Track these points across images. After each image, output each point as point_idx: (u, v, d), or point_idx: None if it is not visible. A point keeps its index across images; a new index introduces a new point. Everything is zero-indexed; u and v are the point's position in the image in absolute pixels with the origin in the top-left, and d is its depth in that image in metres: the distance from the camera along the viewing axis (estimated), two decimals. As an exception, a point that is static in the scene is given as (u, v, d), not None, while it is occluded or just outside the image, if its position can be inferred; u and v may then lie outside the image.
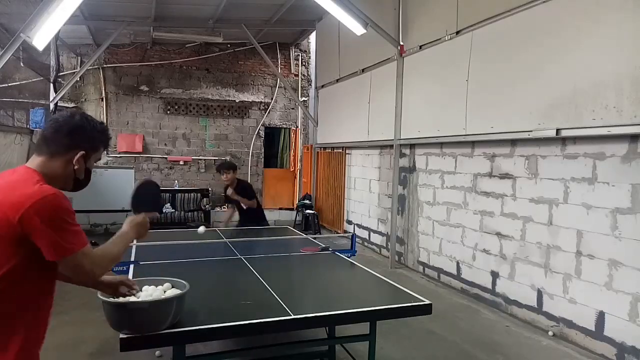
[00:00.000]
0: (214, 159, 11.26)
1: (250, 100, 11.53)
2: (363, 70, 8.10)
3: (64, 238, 1.44)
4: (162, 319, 1.96)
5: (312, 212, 9.89)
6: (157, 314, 1.95)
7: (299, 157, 12.01)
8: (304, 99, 11.80)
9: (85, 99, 10.55)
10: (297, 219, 10.27)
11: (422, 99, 6.32)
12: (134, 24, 9.16)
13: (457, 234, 5.75)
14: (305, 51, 12.07)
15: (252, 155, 11.64)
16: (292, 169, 12.21)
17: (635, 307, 3.62)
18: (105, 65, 10.57)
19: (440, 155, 6.10)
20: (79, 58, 10.48)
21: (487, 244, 5.22)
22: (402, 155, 6.94)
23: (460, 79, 5.43)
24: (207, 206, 10.13)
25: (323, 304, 2.63)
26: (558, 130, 4.15)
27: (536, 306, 4.56)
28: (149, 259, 3.40)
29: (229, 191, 5.45)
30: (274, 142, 12.33)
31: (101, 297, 1.89)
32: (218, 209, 10.29)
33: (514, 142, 4.83)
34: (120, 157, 10.72)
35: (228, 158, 11.32)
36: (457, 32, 5.58)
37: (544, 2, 4.32)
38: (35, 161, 1.57)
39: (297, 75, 11.96)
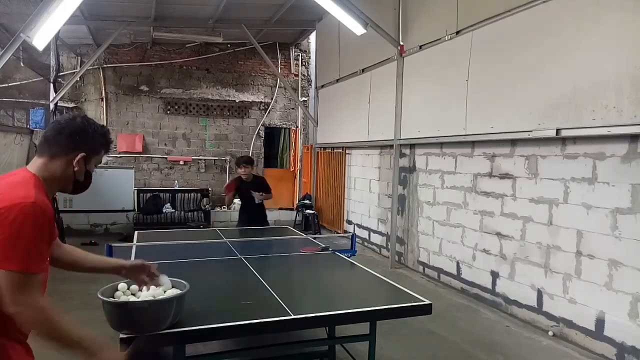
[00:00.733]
0: (214, 159, 11.27)
1: (250, 100, 11.53)
2: (363, 70, 8.10)
3: (8, 246, 1.33)
4: (162, 319, 1.96)
5: (312, 212, 9.89)
6: (157, 314, 1.94)
7: (299, 157, 12.01)
8: (304, 99, 11.80)
9: (85, 99, 10.55)
10: (297, 219, 10.26)
11: (422, 99, 6.32)
12: (134, 24, 9.16)
13: (457, 234, 5.75)
14: (305, 51, 12.07)
15: (252, 155, 11.63)
16: (292, 169, 12.21)
17: (635, 307, 3.62)
18: (105, 65, 10.57)
19: (440, 155, 6.10)
20: (79, 58, 10.49)
21: (487, 244, 5.22)
22: (402, 155, 6.94)
23: (460, 79, 5.43)
24: (207, 206, 10.13)
25: (323, 304, 2.63)
26: (558, 130, 4.15)
27: (536, 306, 4.56)
28: (149, 259, 3.38)
29: (254, 193, 5.32)
30: (274, 142, 12.33)
31: (101, 297, 1.89)
32: (218, 208, 10.30)
33: (514, 142, 4.83)
34: (120, 157, 10.72)
35: (228, 158, 11.34)
36: (457, 32, 5.58)
37: (544, 2, 4.32)
38: (35, 163, 1.57)
39: (297, 75, 11.96)
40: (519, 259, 4.77)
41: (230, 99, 11.38)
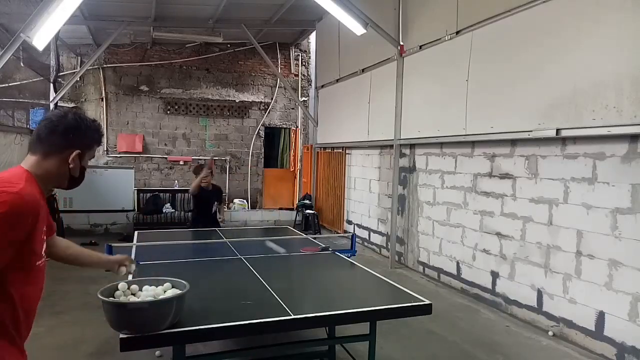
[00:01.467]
0: (214, 159, 11.27)
1: (250, 100, 11.53)
2: (363, 70, 8.10)
3: None
4: (162, 319, 1.96)
5: (312, 212, 9.89)
6: (157, 314, 1.94)
7: (299, 157, 12.01)
8: (304, 99, 11.80)
9: (85, 99, 10.55)
10: (297, 219, 10.26)
11: (422, 99, 6.32)
12: (134, 24, 9.16)
13: (457, 234, 5.75)
14: (305, 51, 12.07)
15: (252, 155, 11.64)
16: (292, 169, 12.22)
17: (635, 307, 3.62)
18: (105, 65, 10.57)
19: (440, 155, 6.10)
20: (79, 58, 10.49)
21: (487, 244, 5.22)
22: (402, 155, 6.94)
23: (460, 79, 5.43)
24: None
25: (323, 304, 2.63)
26: (558, 130, 4.15)
27: (536, 306, 4.56)
28: (149, 259, 3.39)
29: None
30: (274, 142, 12.33)
31: (101, 297, 1.89)
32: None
33: (514, 142, 4.83)
34: (120, 157, 10.73)
35: (228, 158, 11.34)
36: (457, 32, 5.58)
37: (544, 2, 4.32)
38: (28, 161, 1.56)
39: (297, 75, 11.96)
40: (519, 259, 4.77)
41: (230, 99, 11.38)
